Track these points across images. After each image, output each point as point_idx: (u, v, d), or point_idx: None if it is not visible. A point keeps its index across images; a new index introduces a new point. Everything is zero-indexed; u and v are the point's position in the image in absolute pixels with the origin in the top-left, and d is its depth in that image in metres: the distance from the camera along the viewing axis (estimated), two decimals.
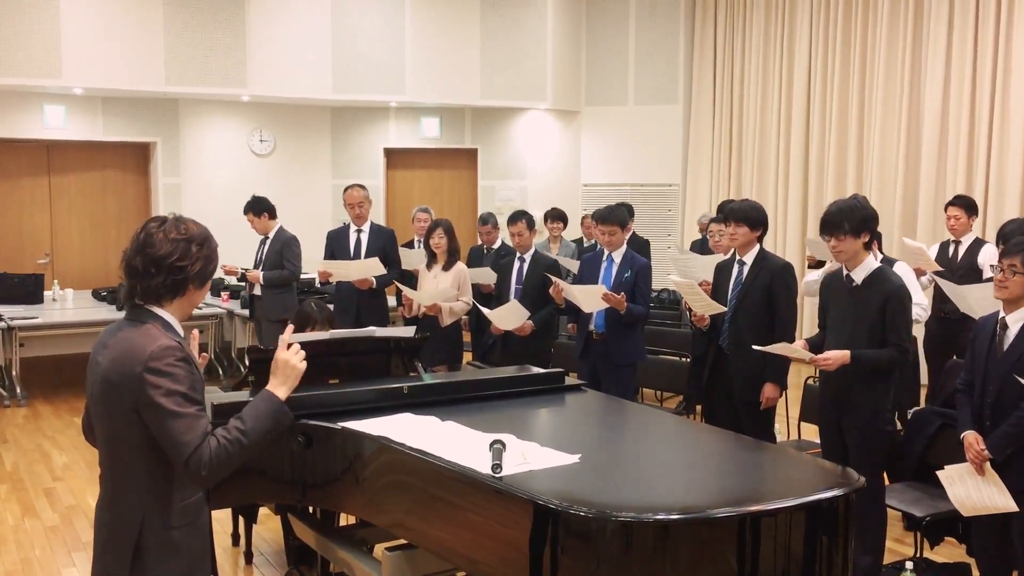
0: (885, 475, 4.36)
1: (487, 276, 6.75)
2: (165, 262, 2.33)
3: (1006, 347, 3.60)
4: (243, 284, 7.98)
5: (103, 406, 2.34)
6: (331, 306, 7.38)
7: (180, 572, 2.38)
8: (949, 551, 4.59)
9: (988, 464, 3.61)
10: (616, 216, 5.51)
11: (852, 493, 2.69)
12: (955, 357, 5.87)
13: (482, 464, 2.76)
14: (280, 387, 2.47)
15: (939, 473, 3.82)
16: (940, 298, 6.57)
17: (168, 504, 2.35)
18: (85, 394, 2.47)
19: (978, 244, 6.53)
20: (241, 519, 4.66)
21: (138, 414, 2.27)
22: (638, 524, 2.44)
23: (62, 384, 8.68)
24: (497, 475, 2.68)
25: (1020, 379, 3.40)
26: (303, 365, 2.51)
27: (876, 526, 4.22)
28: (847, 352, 4.03)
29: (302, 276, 7.57)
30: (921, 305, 5.13)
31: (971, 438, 3.69)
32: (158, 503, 2.34)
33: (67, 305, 8.77)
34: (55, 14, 8.82)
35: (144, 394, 2.24)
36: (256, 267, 7.15)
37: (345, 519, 4.05)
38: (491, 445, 2.81)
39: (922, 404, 5.64)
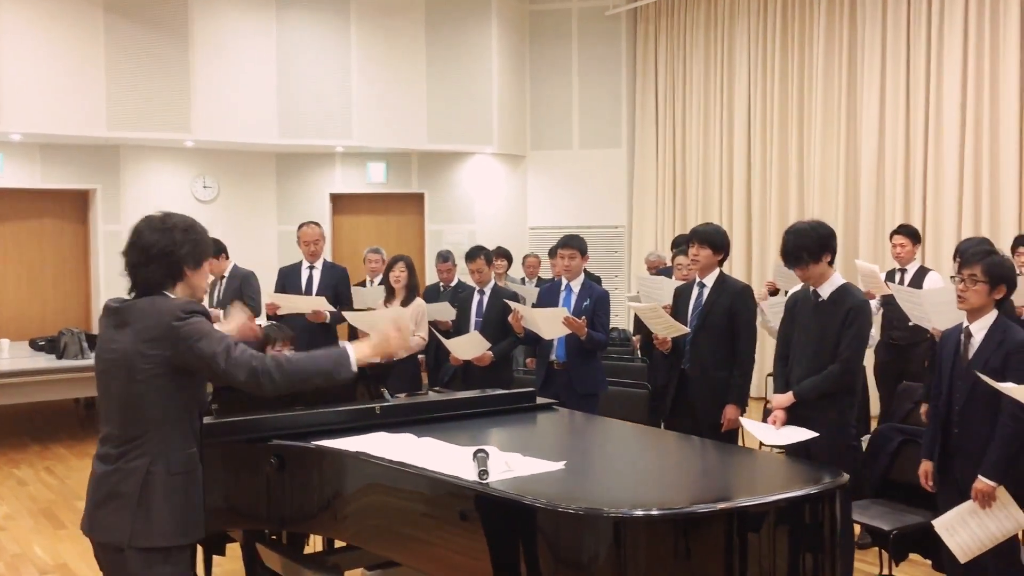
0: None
1: (445, 312, 6.70)
2: (153, 250, 2.63)
3: (971, 355, 3.66)
4: None
5: (128, 371, 2.62)
6: None
7: (181, 512, 2.66)
8: (913, 569, 4.62)
9: (1002, 488, 3.54)
10: (577, 241, 5.56)
11: (837, 489, 2.71)
12: (905, 382, 5.95)
13: (466, 473, 2.72)
14: (365, 347, 2.76)
15: (935, 524, 3.70)
16: (888, 325, 6.70)
17: (177, 452, 2.66)
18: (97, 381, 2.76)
19: (923, 272, 6.64)
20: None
21: (169, 365, 2.59)
22: (630, 520, 2.42)
23: None
24: (484, 481, 2.64)
25: (985, 377, 3.45)
26: (400, 345, 2.86)
27: (846, 542, 4.23)
28: (789, 394, 4.17)
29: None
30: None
31: (922, 470, 3.86)
32: (168, 452, 2.65)
33: (3, 356, 8.47)
34: None
35: (177, 338, 2.58)
36: (212, 307, 7.00)
37: (313, 545, 3.94)
38: (475, 454, 2.77)
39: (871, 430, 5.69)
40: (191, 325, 2.60)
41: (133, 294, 2.71)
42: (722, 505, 2.53)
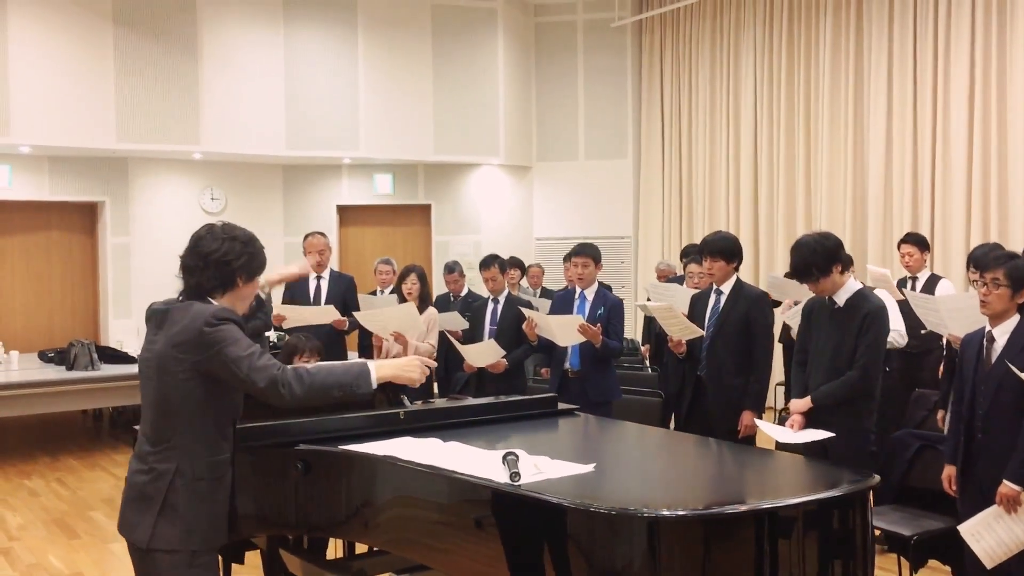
0: None
1: (456, 322, 6.71)
2: (212, 257, 2.69)
3: (994, 359, 3.66)
4: None
5: (159, 373, 2.66)
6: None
7: (205, 517, 2.68)
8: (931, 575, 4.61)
9: None
10: (590, 249, 5.57)
11: (868, 490, 2.71)
12: (918, 390, 5.95)
13: (498, 475, 2.72)
14: (386, 367, 2.81)
15: (961, 529, 3.70)
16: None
17: (202, 459, 2.68)
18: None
19: (934, 280, 6.62)
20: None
21: (198, 370, 2.62)
22: (664, 520, 2.42)
23: (9, 446, 8.35)
24: (516, 483, 2.64)
25: (1015, 369, 3.44)
26: (419, 377, 2.85)
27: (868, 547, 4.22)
28: (807, 399, 4.17)
29: None
30: (898, 331, 5.20)
31: (945, 474, 3.84)
32: (193, 457, 2.67)
33: (12, 367, 8.48)
34: (3, 71, 8.69)
35: (206, 343, 2.61)
36: None
37: (334, 551, 3.94)
38: (504, 457, 2.77)
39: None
40: (220, 331, 2.63)
41: (181, 297, 2.75)
42: (757, 505, 2.53)
